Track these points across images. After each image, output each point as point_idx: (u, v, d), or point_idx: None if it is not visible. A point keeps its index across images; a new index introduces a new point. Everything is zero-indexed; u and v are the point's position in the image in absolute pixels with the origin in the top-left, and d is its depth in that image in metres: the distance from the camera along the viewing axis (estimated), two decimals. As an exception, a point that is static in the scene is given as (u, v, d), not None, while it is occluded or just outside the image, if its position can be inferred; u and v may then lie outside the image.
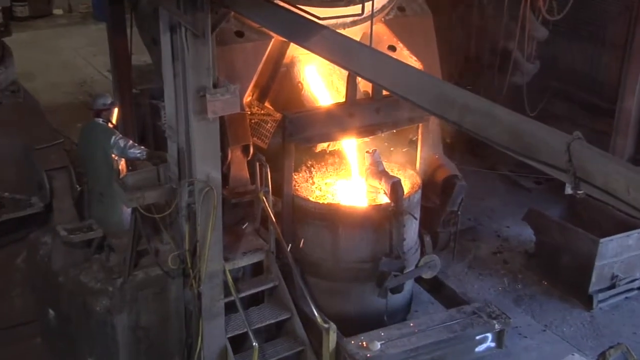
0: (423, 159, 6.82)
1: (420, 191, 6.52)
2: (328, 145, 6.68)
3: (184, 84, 5.19)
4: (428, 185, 6.81)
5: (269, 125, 6.29)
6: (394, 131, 6.72)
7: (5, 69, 7.69)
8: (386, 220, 6.09)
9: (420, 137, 6.76)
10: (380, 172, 6.37)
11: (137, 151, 6.22)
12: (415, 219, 6.43)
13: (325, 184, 6.80)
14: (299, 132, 6.08)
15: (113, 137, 6.19)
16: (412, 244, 6.55)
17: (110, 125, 6.38)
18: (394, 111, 6.31)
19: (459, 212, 6.87)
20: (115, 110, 6.51)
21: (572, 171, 3.02)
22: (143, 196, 5.46)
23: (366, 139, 6.65)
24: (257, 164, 6.13)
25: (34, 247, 6.22)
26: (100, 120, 6.36)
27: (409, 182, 6.67)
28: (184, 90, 5.21)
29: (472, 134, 3.51)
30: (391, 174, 6.44)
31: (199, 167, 5.34)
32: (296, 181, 6.58)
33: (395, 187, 6.09)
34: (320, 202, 6.42)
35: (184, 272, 5.69)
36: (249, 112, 6.32)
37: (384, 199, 6.29)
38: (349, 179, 6.84)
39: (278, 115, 6.27)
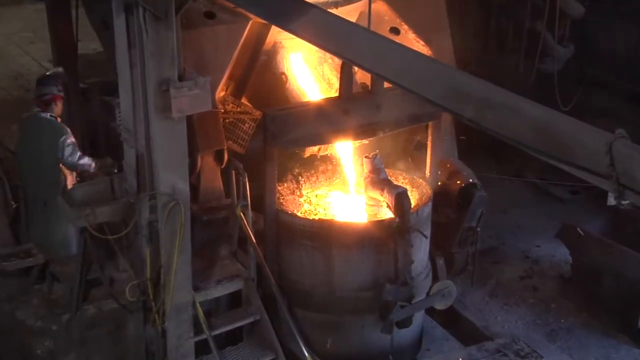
0: (434, 164, 6.88)
1: (430, 204, 6.58)
2: (319, 150, 6.73)
3: (142, 77, 5.21)
4: (440, 196, 6.87)
5: (246, 125, 6.35)
6: (399, 132, 6.78)
7: None
8: (390, 239, 6.14)
9: (430, 138, 6.79)
10: (381, 181, 6.41)
11: (86, 161, 6.24)
12: (426, 237, 6.45)
13: (316, 196, 6.87)
14: (284, 134, 6.12)
15: (63, 137, 6.22)
16: (421, 268, 6.60)
17: (59, 120, 6.44)
18: (397, 107, 6.38)
19: (479, 229, 6.94)
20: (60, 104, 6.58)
21: (614, 177, 3.02)
22: (94, 213, 5.47)
23: (365, 142, 6.70)
24: (233, 172, 6.17)
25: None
26: (48, 115, 6.40)
27: (417, 192, 6.71)
28: (143, 84, 5.23)
29: (492, 133, 3.50)
30: (395, 183, 6.51)
31: (162, 177, 5.36)
32: (281, 193, 6.62)
33: (400, 198, 6.12)
34: (311, 217, 6.47)
35: (145, 305, 5.70)
36: (223, 110, 6.37)
37: (387, 214, 6.33)
38: (345, 190, 6.90)
39: (258, 114, 6.32)
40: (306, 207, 6.73)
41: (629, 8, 8.91)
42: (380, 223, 6.31)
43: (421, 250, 6.52)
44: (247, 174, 6.12)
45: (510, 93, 3.55)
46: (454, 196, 6.92)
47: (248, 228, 6.09)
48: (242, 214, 6.09)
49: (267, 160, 6.19)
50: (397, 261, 6.13)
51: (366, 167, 6.53)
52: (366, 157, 6.55)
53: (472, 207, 6.77)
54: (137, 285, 5.62)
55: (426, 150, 6.87)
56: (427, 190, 6.73)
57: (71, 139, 6.35)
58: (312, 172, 7.01)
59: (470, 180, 6.91)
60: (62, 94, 6.59)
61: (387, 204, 6.30)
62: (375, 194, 6.45)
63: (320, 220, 6.43)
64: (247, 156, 6.31)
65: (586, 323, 7.52)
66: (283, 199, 6.63)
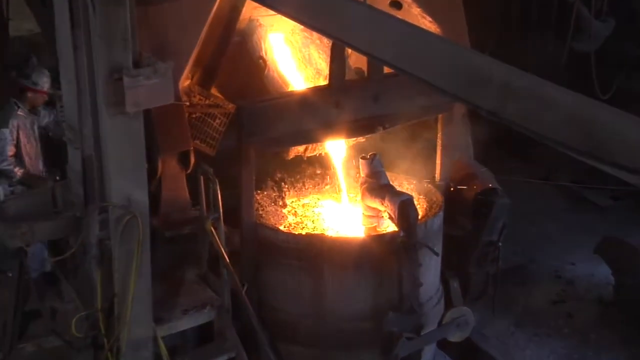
0: (445, 166, 6.95)
1: (441, 214, 6.62)
2: (305, 150, 6.78)
3: (89, 63, 5.19)
4: (454, 204, 6.89)
5: (217, 121, 6.32)
6: (402, 127, 6.81)
7: None
8: (393, 257, 6.16)
9: (440, 134, 6.86)
10: (382, 188, 6.45)
11: (6, 166, 6.29)
12: (436, 254, 6.47)
13: (303, 206, 6.99)
14: (262, 131, 6.16)
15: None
16: (432, 292, 6.64)
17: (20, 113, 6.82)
18: (400, 98, 6.43)
19: (500, 243, 6.97)
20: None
21: (665, 179, 2.99)
22: (31, 230, 5.44)
23: (361, 140, 6.78)
24: (202, 179, 6.18)
25: None
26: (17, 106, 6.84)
27: (425, 200, 6.81)
28: (90, 72, 5.22)
29: (516, 127, 3.47)
30: (398, 189, 6.56)
31: (115, 186, 5.32)
32: (260, 203, 6.72)
33: (404, 208, 6.13)
34: (296, 232, 6.54)
35: (95, 342, 5.63)
36: (188, 104, 6.34)
37: (389, 227, 6.42)
38: (337, 199, 7.01)
39: (230, 107, 6.31)
40: (291, 219, 6.81)
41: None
42: (381, 238, 6.38)
43: (431, 270, 6.55)
44: (219, 181, 6.10)
45: (537, 78, 3.52)
46: (470, 204, 6.93)
47: (221, 246, 6.05)
48: (213, 229, 6.07)
49: (242, 163, 6.21)
50: (402, 284, 6.13)
51: (363, 171, 6.58)
52: (363, 158, 6.61)
53: (492, 218, 6.80)
54: (85, 318, 5.56)
55: (435, 149, 6.92)
56: (438, 198, 6.78)
57: (7, 134, 6.45)
58: (298, 177, 7.09)
59: (490, 185, 6.92)
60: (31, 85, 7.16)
61: (388, 214, 6.33)
62: (375, 203, 6.46)
63: (308, 236, 6.47)
64: (219, 159, 6.29)
65: (633, 358, 7.47)
66: (263, 210, 6.69)
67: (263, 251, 6.43)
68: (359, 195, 6.67)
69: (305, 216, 6.84)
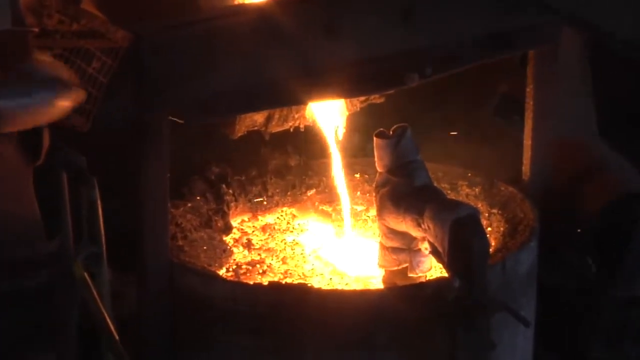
0: (540, 150, 7.01)
1: (535, 244, 6.55)
2: (267, 121, 6.86)
3: None
4: (559, 224, 6.96)
5: (95, 65, 6.12)
6: (457, 74, 6.70)
7: None
8: (439, 329, 6.03)
9: (530, 89, 6.90)
10: (417, 193, 6.35)
11: None
12: (526, 323, 6.21)
13: (263, 229, 7.21)
14: (183, 85, 5.99)
15: None
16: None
17: None
18: (452, 16, 6.44)
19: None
20: None
21: None
22: None
23: (375, 99, 6.89)
24: (65, 178, 6.07)
25: None
26: None
27: (503, 217, 6.91)
28: None
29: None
30: (450, 196, 6.77)
31: None
32: (180, 225, 6.76)
33: (462, 232, 5.93)
34: (251, 281, 6.56)
35: None
36: (37, 30, 6.11)
37: (431, 268, 6.50)
38: (327, 216, 7.35)
39: (120, 37, 6.11)
40: (240, 256, 6.89)
41: None
42: (415, 292, 6.22)
43: (515, 355, 6.54)
44: (101, 183, 6.05)
45: None
46: (592, 224, 6.94)
47: (103, 310, 5.95)
48: (87, 277, 5.98)
49: (146, 148, 6.12)
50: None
51: (381, 160, 6.53)
52: (380, 135, 6.51)
53: (635, 252, 6.71)
54: None
55: (522, 118, 6.99)
56: (527, 212, 6.77)
57: None
58: (253, 174, 7.29)
59: (629, 188, 6.97)
60: None
61: (429, 245, 6.25)
62: (403, 223, 6.34)
63: (275, 288, 6.27)
64: (100, 140, 6.14)
65: None
66: (186, 238, 6.70)
67: (186, 318, 6.34)
68: (373, 209, 6.66)
69: (269, 249, 6.90)
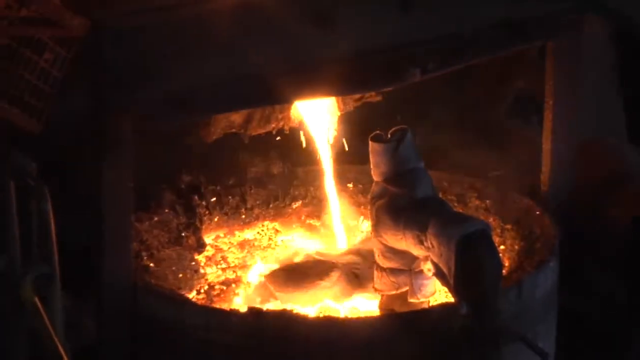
0: (561, 155, 7.09)
1: (555, 264, 6.54)
2: (247, 123, 6.97)
3: None
4: (583, 240, 7.07)
5: (47, 56, 6.13)
6: (464, 69, 6.79)
7: None
8: None
9: (550, 86, 6.94)
10: (419, 206, 6.36)
11: None
12: (544, 357, 6.10)
13: (241, 246, 7.33)
14: (149, 80, 5.98)
15: None
16: None
17: None
18: (458, 3, 6.52)
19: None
20: None
21: None
22: None
23: (372, 97, 7.01)
24: (12, 188, 5.91)
25: None
26: None
27: (518, 233, 6.91)
28: None
29: None
30: (456, 209, 6.78)
31: None
32: (145, 242, 6.80)
33: (470, 251, 5.92)
34: (231, 307, 6.56)
35: None
36: None
37: (435, 292, 6.52)
38: (318, 231, 7.46)
39: (77, 25, 5.99)
40: (214, 277, 6.96)
41: None
42: (418, 319, 6.20)
43: None
44: (54, 193, 5.89)
45: None
46: (619, 237, 7.11)
47: (55, 337, 5.79)
48: (38, 301, 5.79)
49: (106, 153, 6.07)
50: None
51: (377, 167, 6.53)
52: (375, 138, 6.53)
53: None
54: None
55: (541, 119, 7.04)
56: (545, 226, 6.80)
57: None
58: (230, 182, 7.34)
59: None
60: None
61: (433, 266, 6.20)
62: (403, 241, 6.34)
63: (255, 316, 6.20)
64: (53, 143, 6.26)
65: None
66: (152, 256, 6.71)
67: (151, 347, 6.35)
68: (369, 223, 6.72)
69: (249, 269, 6.96)
